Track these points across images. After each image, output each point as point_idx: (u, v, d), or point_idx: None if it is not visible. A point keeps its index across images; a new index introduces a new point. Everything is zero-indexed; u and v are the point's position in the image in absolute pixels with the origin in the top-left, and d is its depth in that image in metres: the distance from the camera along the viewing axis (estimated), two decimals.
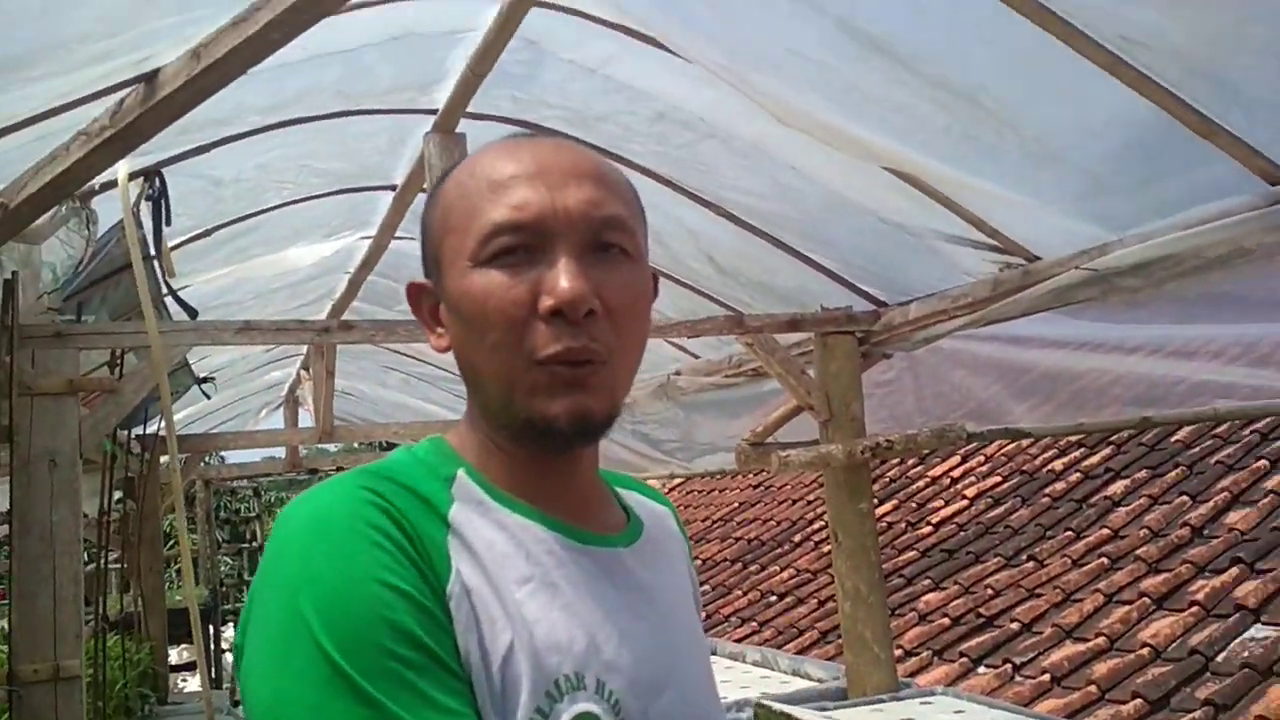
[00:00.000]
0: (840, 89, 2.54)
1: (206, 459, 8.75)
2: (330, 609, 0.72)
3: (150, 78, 2.00)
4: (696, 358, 4.71)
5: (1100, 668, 4.41)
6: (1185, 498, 5.54)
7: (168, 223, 2.82)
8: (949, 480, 7.49)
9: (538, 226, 0.82)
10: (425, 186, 3.08)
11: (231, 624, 8.36)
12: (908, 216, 3.06)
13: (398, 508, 0.78)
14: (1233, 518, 5.12)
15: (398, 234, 3.99)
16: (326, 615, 0.72)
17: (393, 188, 3.65)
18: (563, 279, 0.81)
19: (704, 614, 1.09)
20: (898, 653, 4.84)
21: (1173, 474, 5.87)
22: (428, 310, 0.91)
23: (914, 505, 7.38)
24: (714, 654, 4.36)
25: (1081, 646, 4.67)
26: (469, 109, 2.89)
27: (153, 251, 2.91)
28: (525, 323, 0.81)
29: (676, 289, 3.97)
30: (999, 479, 7.05)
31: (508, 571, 0.80)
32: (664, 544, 0.99)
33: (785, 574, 7.32)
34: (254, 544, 9.67)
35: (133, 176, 2.71)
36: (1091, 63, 2.22)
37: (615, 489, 1.00)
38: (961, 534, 6.58)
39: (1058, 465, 6.72)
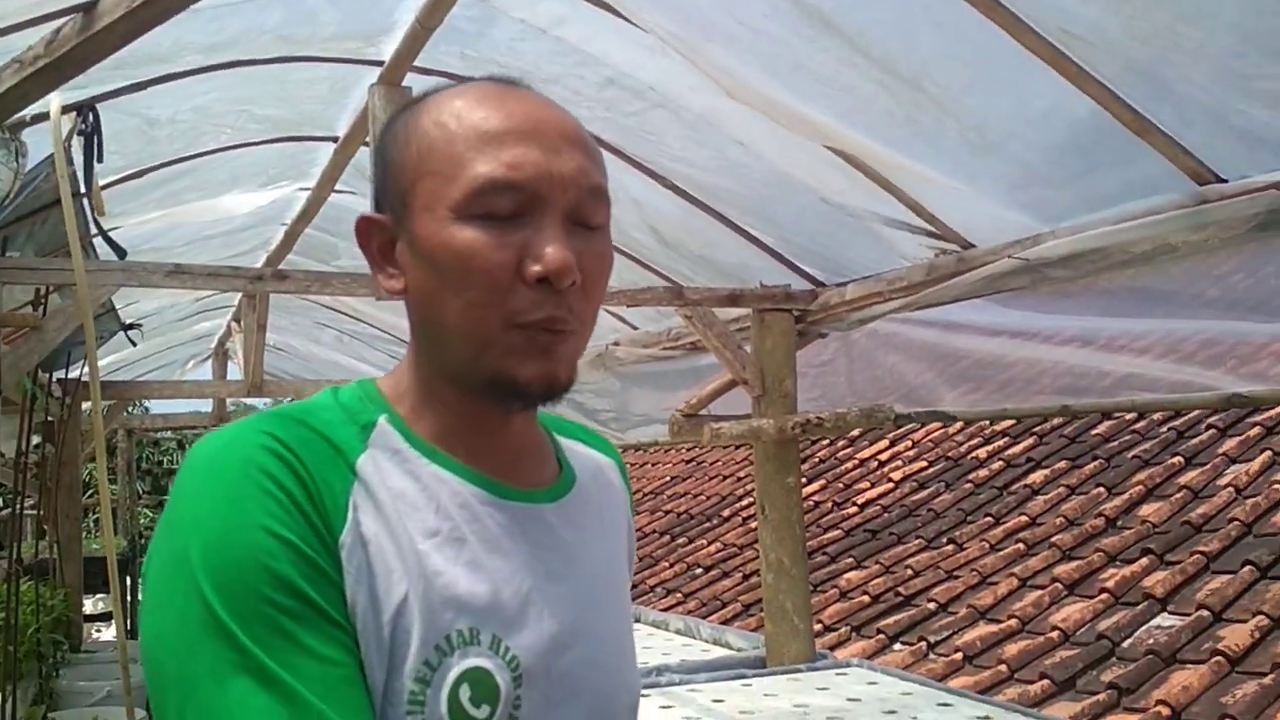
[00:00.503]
0: (789, 66, 2.56)
1: (130, 408, 8.56)
2: (212, 553, 0.73)
3: (89, 7, 1.94)
4: (635, 329, 4.72)
5: (1011, 648, 4.53)
6: (1101, 489, 5.71)
7: (100, 160, 2.75)
8: (876, 463, 7.62)
9: (531, 188, 0.81)
10: (368, 140, 3.04)
11: None
12: (849, 198, 3.10)
13: (298, 455, 0.77)
14: (1146, 510, 5.29)
15: (338, 187, 3.93)
16: (208, 559, 0.73)
17: (334, 139, 3.58)
18: (551, 248, 0.80)
19: (630, 584, 1.08)
20: (817, 627, 4.92)
21: (1091, 466, 6.03)
22: (379, 247, 0.88)
23: (841, 486, 7.50)
24: (638, 621, 4.40)
25: (994, 627, 4.80)
26: (416, 63, 2.85)
27: (83, 189, 2.83)
28: (509, 286, 0.80)
29: (618, 259, 3.95)
30: (925, 464, 7.19)
31: (414, 523, 0.80)
32: (599, 497, 0.98)
33: (712, 548, 7.41)
34: None
35: (66, 110, 2.64)
36: (1034, 55, 2.26)
37: (557, 438, 0.99)
38: (885, 515, 6.70)
39: (982, 453, 6.87)
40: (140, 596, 0.79)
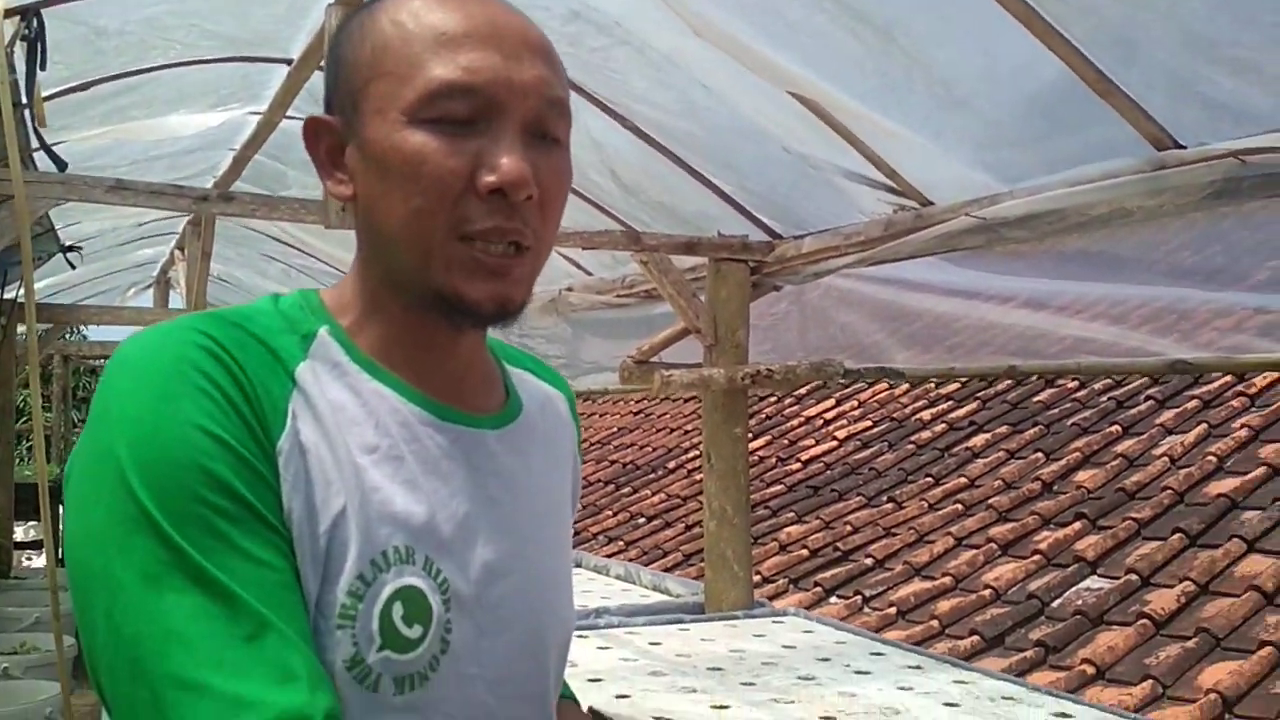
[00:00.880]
0: (760, 8, 2.52)
1: (67, 333, 8.36)
2: (144, 450, 0.70)
3: None
4: (590, 275, 4.69)
5: (944, 605, 4.62)
6: (1040, 454, 5.81)
7: (43, 68, 2.64)
8: (822, 421, 7.70)
9: (488, 94, 0.78)
10: (323, 64, 2.96)
11: None
12: (811, 148, 3.08)
13: (234, 358, 0.75)
14: (1081, 476, 5.40)
15: (290, 113, 3.82)
16: (139, 456, 0.70)
17: (288, 61, 3.48)
18: (506, 158, 0.77)
19: (573, 531, 1.06)
20: (756, 579, 4.97)
21: (1031, 432, 6.14)
22: (326, 150, 0.84)
23: (786, 443, 7.57)
24: (579, 566, 4.41)
25: (929, 584, 4.89)
26: None
27: (24, 98, 2.72)
28: (459, 195, 0.78)
29: (576, 201, 3.93)
30: (869, 424, 7.27)
31: (352, 437, 0.78)
32: (545, 429, 0.96)
33: (656, 498, 7.45)
34: None
35: (9, 14, 2.53)
36: (1005, 10, 2.25)
37: (506, 367, 0.98)
38: (828, 473, 6.78)
39: (926, 415, 6.96)
40: (65, 494, 0.75)
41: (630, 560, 6.30)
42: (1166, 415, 5.64)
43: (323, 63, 3.09)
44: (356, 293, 0.85)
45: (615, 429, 9.81)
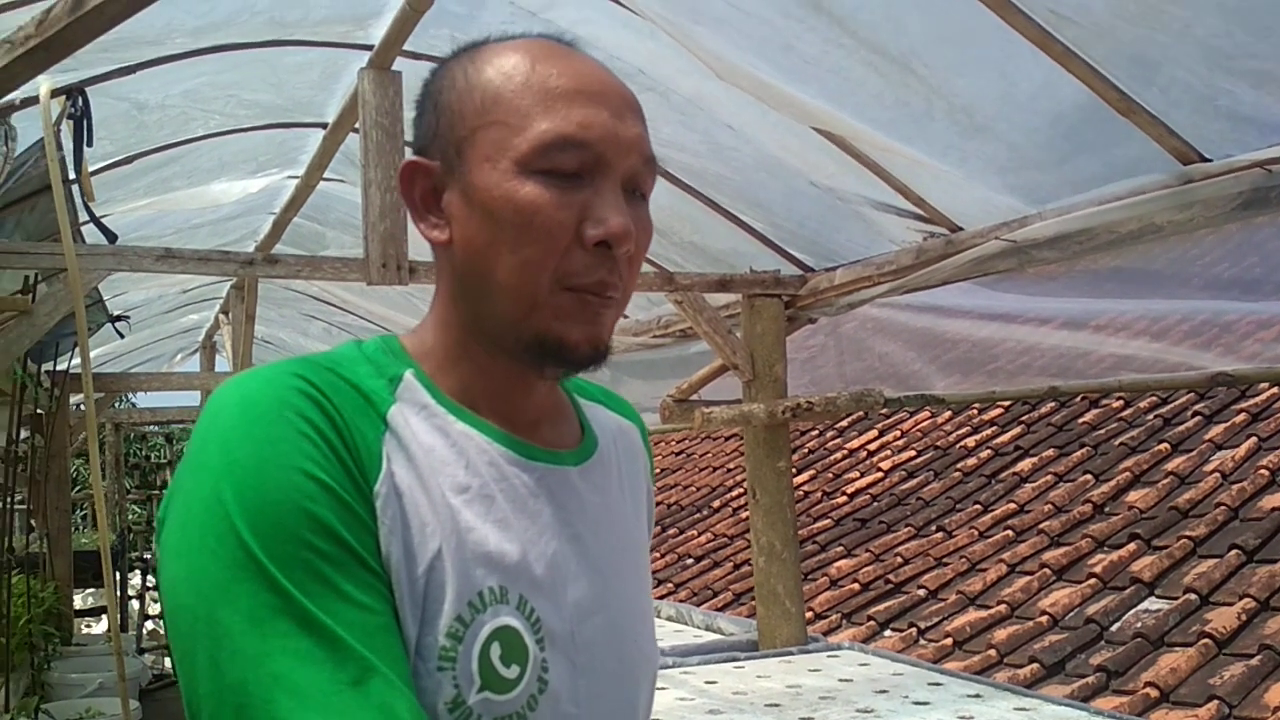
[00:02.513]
0: (779, 47, 2.57)
1: (117, 402, 8.54)
2: (248, 494, 0.70)
3: None
4: (626, 317, 4.73)
5: (1000, 633, 4.56)
6: (1089, 476, 5.74)
7: (89, 144, 2.74)
8: (865, 453, 7.65)
9: (598, 150, 0.79)
10: (357, 126, 3.03)
11: (138, 571, 8.19)
12: (838, 181, 3.11)
13: (332, 401, 0.75)
14: (1133, 496, 5.32)
15: (326, 175, 3.93)
16: (244, 500, 0.70)
17: (323, 125, 3.58)
18: (614, 214, 0.79)
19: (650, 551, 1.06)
20: (808, 615, 4.95)
21: (1079, 453, 6.06)
22: (422, 194, 0.84)
23: (831, 476, 7.53)
24: None
25: (984, 613, 4.83)
26: (406, 47, 2.85)
27: (72, 174, 2.83)
28: (567, 248, 0.79)
29: None
30: (913, 453, 7.21)
31: (445, 479, 0.78)
32: (621, 462, 0.96)
33: (703, 538, 7.42)
34: (163, 491, 9.48)
35: (55, 94, 2.63)
36: (1022, 36, 2.28)
37: (579, 400, 0.98)
38: (875, 504, 6.73)
39: (970, 442, 6.90)
40: (161, 542, 0.75)
41: (680, 601, 6.28)
42: (1215, 430, 5.56)
43: (356, 125, 3.16)
44: (438, 338, 0.86)
45: (658, 470, 9.81)
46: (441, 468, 0.79)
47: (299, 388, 0.74)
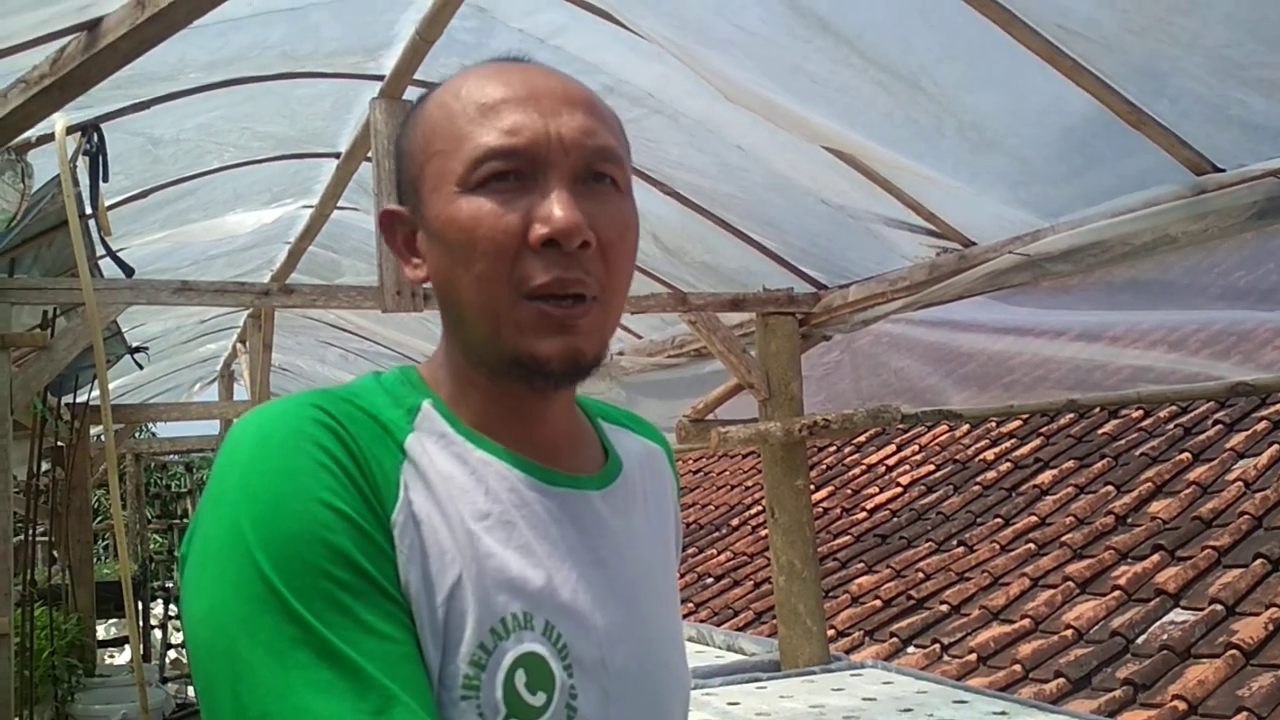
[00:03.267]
0: (786, 68, 2.58)
1: (137, 432, 8.59)
2: (267, 526, 0.70)
3: (92, 26, 1.97)
4: (640, 338, 4.74)
5: (1025, 648, 4.52)
6: (1110, 487, 5.70)
7: (105, 179, 2.77)
8: (884, 468, 7.62)
9: (531, 152, 0.78)
10: (370, 155, 3.06)
11: (160, 600, 8.22)
12: (849, 199, 3.11)
13: (349, 430, 0.75)
14: (1155, 507, 5.28)
15: (340, 204, 3.96)
16: (263, 532, 0.70)
17: (336, 155, 3.61)
18: (556, 208, 0.77)
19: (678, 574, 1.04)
20: (830, 633, 4.92)
21: (1099, 465, 6.02)
22: (402, 239, 0.86)
23: (849, 492, 7.50)
24: None
25: (1008, 628, 4.79)
26: (416, 76, 2.87)
27: (89, 209, 2.86)
28: (516, 253, 0.78)
29: None
30: (932, 467, 7.18)
31: (464, 506, 0.78)
32: (646, 485, 0.95)
33: (722, 557, 7.40)
34: (184, 520, 9.52)
35: (70, 130, 2.66)
36: (1030, 51, 2.28)
37: (602, 425, 0.96)
38: (895, 520, 6.70)
39: (989, 455, 6.87)
40: (184, 575, 0.75)
41: (701, 621, 6.26)
42: (1236, 439, 5.51)
43: (369, 154, 3.19)
44: (447, 370, 0.86)
45: None
46: (461, 495, 0.78)
47: (316, 418, 0.75)
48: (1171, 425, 6.01)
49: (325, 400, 0.77)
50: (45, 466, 4.96)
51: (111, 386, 6.31)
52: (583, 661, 0.78)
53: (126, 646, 7.49)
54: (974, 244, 3.05)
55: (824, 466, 8.09)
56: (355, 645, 0.69)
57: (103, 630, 7.23)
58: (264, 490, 0.72)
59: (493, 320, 0.79)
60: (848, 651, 5.12)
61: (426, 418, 0.81)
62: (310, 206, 4.07)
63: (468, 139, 0.80)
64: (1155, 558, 4.82)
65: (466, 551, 0.76)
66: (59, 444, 4.89)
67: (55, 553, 5.71)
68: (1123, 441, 6.17)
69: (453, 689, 0.73)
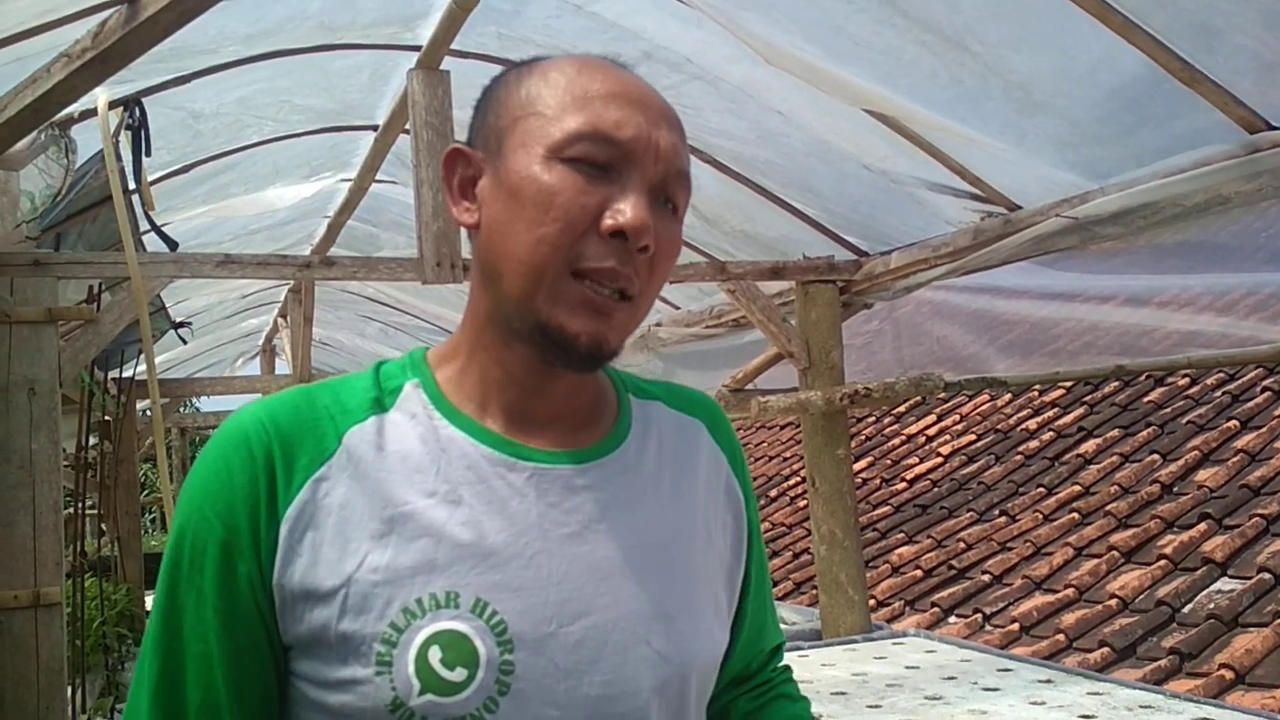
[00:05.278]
0: (828, 29, 2.54)
1: (182, 407, 8.70)
2: (175, 526, 0.83)
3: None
4: (677, 309, 4.72)
5: (1069, 618, 4.48)
6: (1156, 456, 5.63)
7: (148, 154, 2.79)
8: (924, 438, 7.56)
9: (629, 149, 0.83)
10: (407, 127, 3.05)
11: None
12: (891, 164, 3.07)
13: (267, 440, 0.82)
14: (1202, 475, 5.20)
15: (378, 177, 3.96)
16: (173, 530, 0.83)
17: (374, 128, 3.61)
18: (634, 205, 0.81)
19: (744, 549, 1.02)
20: (871, 603, 4.90)
21: (1145, 433, 5.94)
22: (461, 180, 0.89)
23: (889, 463, 7.46)
24: None
25: (1051, 597, 4.75)
26: (453, 46, 2.86)
27: (132, 184, 2.88)
28: (583, 233, 0.81)
29: None
30: (974, 437, 7.12)
31: (411, 484, 0.82)
32: (665, 459, 0.93)
33: (762, 527, 7.39)
34: None
35: (112, 105, 2.68)
36: (1079, 7, 2.23)
37: (633, 400, 0.96)
38: (935, 490, 6.65)
39: (1032, 424, 6.80)
40: None
41: None
42: None
43: (406, 126, 3.18)
44: (462, 335, 0.90)
45: None
46: (410, 475, 0.82)
47: (237, 431, 0.83)
48: (1219, 392, 5.91)
49: (280, 404, 0.85)
50: (93, 441, 5.04)
51: (156, 361, 6.39)
52: (525, 637, 0.80)
53: None
54: (1019, 208, 3.00)
55: (863, 437, 8.05)
56: (177, 641, 0.81)
57: (151, 601, 7.37)
58: (184, 487, 0.84)
59: (535, 283, 0.82)
60: (889, 621, 5.11)
61: (406, 399, 0.87)
62: (348, 180, 4.08)
63: (573, 113, 0.83)
64: (1202, 526, 4.76)
65: (388, 536, 0.80)
66: (106, 418, 4.96)
67: (104, 525, 5.80)
68: (1169, 409, 6.08)
69: (368, 664, 0.77)
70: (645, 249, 0.82)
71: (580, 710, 0.81)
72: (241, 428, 0.83)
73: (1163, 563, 4.63)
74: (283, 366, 7.19)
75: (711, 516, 0.96)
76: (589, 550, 0.84)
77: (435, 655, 0.77)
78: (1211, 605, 4.15)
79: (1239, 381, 5.91)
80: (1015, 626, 4.61)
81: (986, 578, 5.23)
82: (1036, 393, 7.12)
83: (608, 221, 0.81)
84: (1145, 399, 6.32)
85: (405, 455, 0.83)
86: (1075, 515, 5.44)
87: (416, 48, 2.97)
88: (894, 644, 3.24)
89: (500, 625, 0.79)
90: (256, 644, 0.81)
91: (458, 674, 0.78)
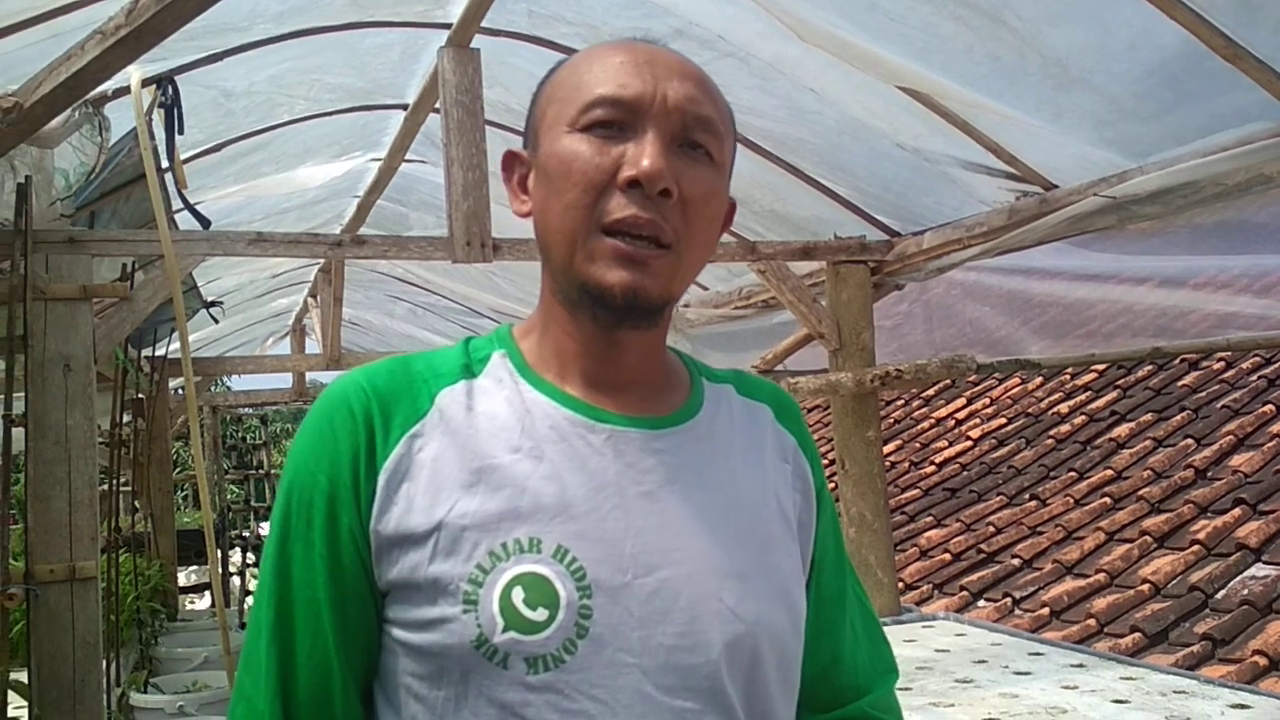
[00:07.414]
0: (862, 5, 2.51)
1: (213, 385, 8.78)
2: (283, 484, 0.90)
3: None
4: (706, 289, 4.70)
5: (1100, 603, 4.45)
6: (1190, 441, 5.56)
7: (180, 132, 2.80)
8: (954, 422, 7.51)
9: (635, 105, 0.86)
10: (437, 106, 3.05)
11: (238, 548, 8.44)
12: (925, 142, 3.04)
13: (367, 401, 0.88)
14: (1237, 460, 5.14)
15: (408, 156, 3.96)
16: (281, 489, 0.90)
17: (404, 107, 3.61)
18: (646, 155, 0.85)
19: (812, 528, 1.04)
20: (899, 586, 4.88)
21: (1178, 417, 5.88)
22: (517, 179, 0.96)
23: (918, 445, 7.42)
24: None
25: (1081, 582, 4.72)
26: (484, 23, 2.85)
27: (165, 162, 2.89)
28: (603, 190, 0.86)
29: None
30: (1004, 421, 7.07)
31: (498, 441, 0.88)
32: (738, 436, 0.98)
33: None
34: (260, 471, 9.74)
35: (145, 83, 2.69)
36: None
37: (705, 384, 1.00)
38: (965, 473, 6.61)
39: (1063, 408, 6.73)
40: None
41: None
42: None
43: (437, 105, 3.17)
44: (538, 313, 0.96)
45: None
46: (498, 433, 0.88)
47: (340, 394, 0.90)
48: (1255, 376, 5.83)
49: (378, 370, 0.92)
50: (126, 418, 5.09)
51: (189, 339, 6.44)
52: (602, 584, 0.84)
53: (207, 592, 7.71)
54: (1056, 186, 2.96)
55: (891, 420, 8.00)
56: (288, 590, 0.87)
57: (184, 577, 7.46)
58: (291, 450, 0.91)
59: (570, 247, 0.87)
60: (917, 604, 5.08)
61: (494, 366, 0.93)
62: (378, 159, 4.08)
63: (586, 88, 0.89)
64: (1236, 512, 4.70)
65: (476, 486, 0.86)
66: (139, 396, 5.01)
67: (137, 502, 5.87)
68: (1203, 393, 6.00)
69: (456, 603, 0.82)
70: (666, 193, 0.85)
71: (654, 658, 0.84)
72: (344, 391, 0.90)
73: (1196, 548, 4.58)
74: (313, 346, 7.23)
75: (782, 493, 0.99)
76: (663, 508, 0.88)
77: (519, 595, 0.82)
78: (1245, 591, 4.11)
79: (1275, 365, 5.83)
80: (1045, 611, 4.58)
81: (1016, 562, 5.20)
82: (1069, 376, 7.06)
83: (622, 174, 0.85)
84: (1179, 383, 6.24)
85: (493, 415, 0.89)
86: (1107, 500, 5.39)
87: (447, 25, 2.96)
88: (924, 627, 3.23)
89: (580, 571, 0.84)
90: (359, 590, 0.86)
91: (539, 614, 0.82)
